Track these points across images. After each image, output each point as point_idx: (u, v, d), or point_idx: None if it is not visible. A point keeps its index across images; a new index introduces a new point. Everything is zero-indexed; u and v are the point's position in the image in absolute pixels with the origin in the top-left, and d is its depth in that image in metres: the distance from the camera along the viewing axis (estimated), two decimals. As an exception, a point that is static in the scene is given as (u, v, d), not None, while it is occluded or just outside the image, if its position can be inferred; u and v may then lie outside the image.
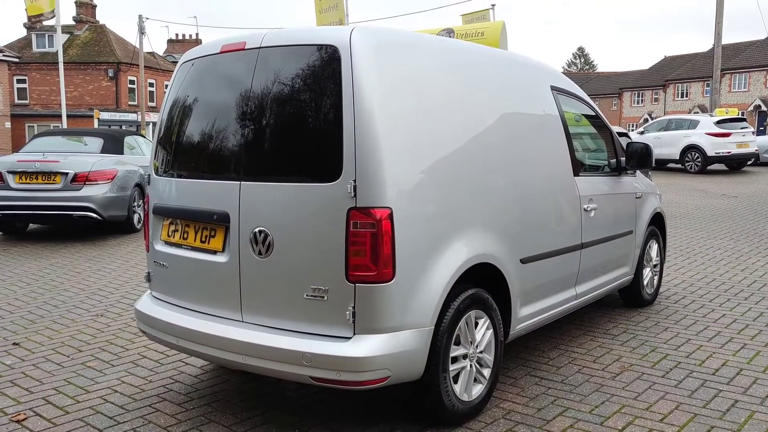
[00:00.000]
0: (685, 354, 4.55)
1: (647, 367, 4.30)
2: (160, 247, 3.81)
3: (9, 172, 9.18)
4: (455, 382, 3.43)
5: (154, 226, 3.88)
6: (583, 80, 68.28)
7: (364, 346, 3.02)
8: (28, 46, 43.93)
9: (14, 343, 4.91)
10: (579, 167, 4.58)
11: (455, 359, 3.43)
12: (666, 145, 21.42)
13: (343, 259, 3.04)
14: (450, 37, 4.71)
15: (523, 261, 3.89)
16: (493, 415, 3.61)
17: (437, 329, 3.26)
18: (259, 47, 3.41)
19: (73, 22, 45.27)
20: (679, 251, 8.24)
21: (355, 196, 3.02)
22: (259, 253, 3.26)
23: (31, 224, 10.39)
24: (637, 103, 60.07)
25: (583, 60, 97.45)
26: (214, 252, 3.46)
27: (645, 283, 5.70)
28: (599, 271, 4.89)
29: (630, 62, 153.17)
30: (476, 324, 3.57)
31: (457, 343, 3.44)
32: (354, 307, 3.04)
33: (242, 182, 3.34)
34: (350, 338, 3.05)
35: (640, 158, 5.15)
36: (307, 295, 3.13)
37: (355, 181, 3.02)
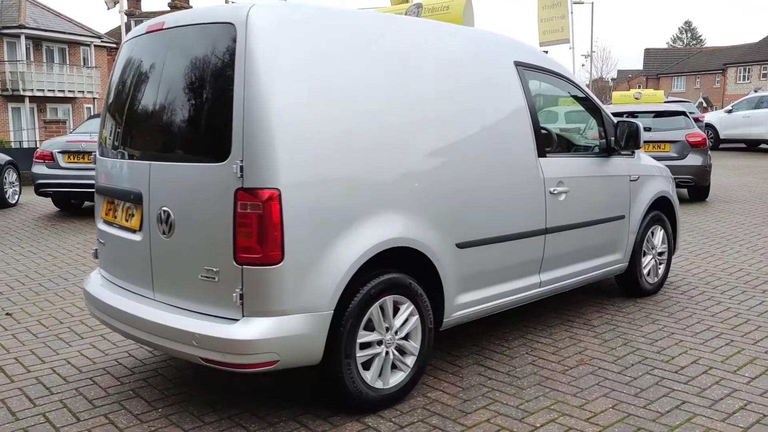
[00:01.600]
0: (658, 349, 4.22)
1: (608, 362, 4.02)
2: (100, 225, 3.92)
3: (59, 152, 9.76)
4: (366, 368, 3.34)
5: (97, 204, 3.99)
6: (684, 56, 64.26)
7: (250, 329, 2.98)
8: (127, 32, 46.26)
9: (7, 314, 5.20)
10: (546, 148, 4.31)
11: (367, 345, 3.33)
12: (756, 124, 19.96)
13: (231, 240, 3.01)
14: (418, 12, 4.51)
15: (460, 246, 3.71)
16: (414, 404, 3.49)
17: (340, 314, 3.17)
18: (173, 27, 3.40)
19: (169, 9, 47.22)
20: (718, 238, 7.66)
21: (242, 176, 2.96)
22: (164, 233, 3.28)
23: (87, 202, 10.96)
24: (743, 79, 55.81)
25: (689, 35, 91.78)
26: (134, 231, 3.51)
27: (645, 271, 5.33)
28: (575, 258, 4.61)
29: (741, 35, 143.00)
30: (396, 310, 3.45)
31: (371, 328, 3.34)
32: (242, 289, 3.00)
33: (152, 162, 3.36)
34: (238, 320, 3.02)
35: (629, 138, 4.80)
36: (201, 276, 3.12)
37: (242, 161, 2.96)
